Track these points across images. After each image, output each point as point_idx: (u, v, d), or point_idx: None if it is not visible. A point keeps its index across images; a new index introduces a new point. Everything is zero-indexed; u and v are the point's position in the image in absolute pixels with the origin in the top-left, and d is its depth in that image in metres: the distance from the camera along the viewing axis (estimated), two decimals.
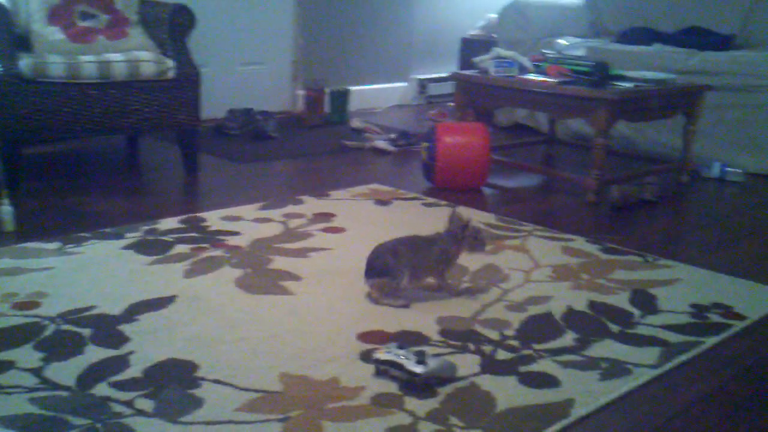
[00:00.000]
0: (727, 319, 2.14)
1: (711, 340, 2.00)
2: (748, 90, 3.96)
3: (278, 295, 2.20)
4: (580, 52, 3.92)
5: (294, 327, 2.00)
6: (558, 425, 1.58)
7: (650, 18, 4.93)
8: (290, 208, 3.05)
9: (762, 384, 1.81)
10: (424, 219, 2.98)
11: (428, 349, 1.87)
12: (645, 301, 2.25)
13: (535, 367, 1.83)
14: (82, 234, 2.63)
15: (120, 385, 1.68)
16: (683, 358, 1.91)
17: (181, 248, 2.55)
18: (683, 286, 2.37)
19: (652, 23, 4.88)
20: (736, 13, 4.62)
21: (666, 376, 1.83)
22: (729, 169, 3.81)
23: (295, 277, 2.34)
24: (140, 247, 2.54)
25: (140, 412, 1.58)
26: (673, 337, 2.01)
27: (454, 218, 2.23)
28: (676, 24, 4.75)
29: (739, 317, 2.15)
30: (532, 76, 3.59)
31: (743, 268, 2.55)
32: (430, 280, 2.25)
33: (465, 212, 2.28)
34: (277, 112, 4.82)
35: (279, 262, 2.46)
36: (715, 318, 2.14)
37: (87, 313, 2.03)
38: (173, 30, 3.46)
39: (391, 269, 2.14)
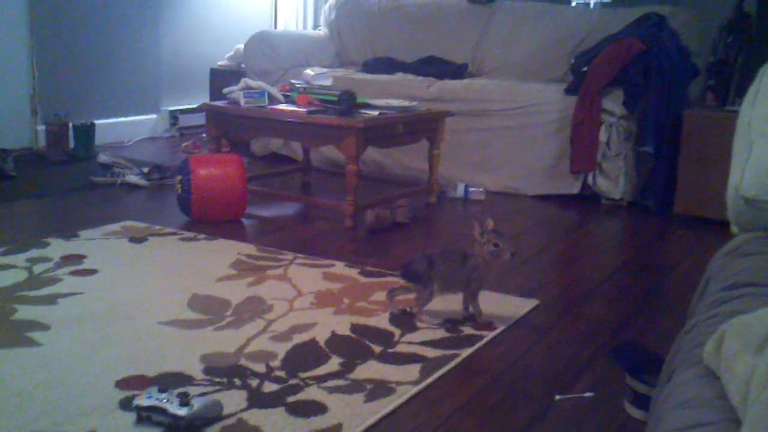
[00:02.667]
0: (478, 330, 2.27)
1: (465, 352, 2.12)
2: (482, 114, 4.28)
3: (24, 348, 2.04)
4: (327, 82, 4.03)
5: (43, 380, 1.86)
6: None
7: (391, 48, 5.20)
8: (35, 252, 2.85)
9: (510, 387, 1.94)
10: (182, 254, 2.90)
11: (192, 390, 1.82)
12: (403, 320, 2.34)
13: (302, 396, 1.84)
14: None
15: None
16: (441, 371, 2.01)
17: None
18: (438, 303, 2.48)
19: (394, 53, 5.14)
20: (467, 44, 4.99)
21: (426, 391, 1.91)
22: (472, 188, 4.08)
23: (44, 327, 2.18)
24: None
25: None
26: (431, 353, 2.11)
27: (476, 226, 2.27)
28: (415, 54, 5.03)
29: (489, 327, 2.29)
30: (282, 106, 3.64)
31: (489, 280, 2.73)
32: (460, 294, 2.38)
33: (487, 221, 2.28)
34: (15, 149, 4.49)
35: (24, 312, 2.28)
36: (468, 330, 2.27)
37: None
38: None
39: (421, 276, 2.28)
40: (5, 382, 1.85)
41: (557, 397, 1.90)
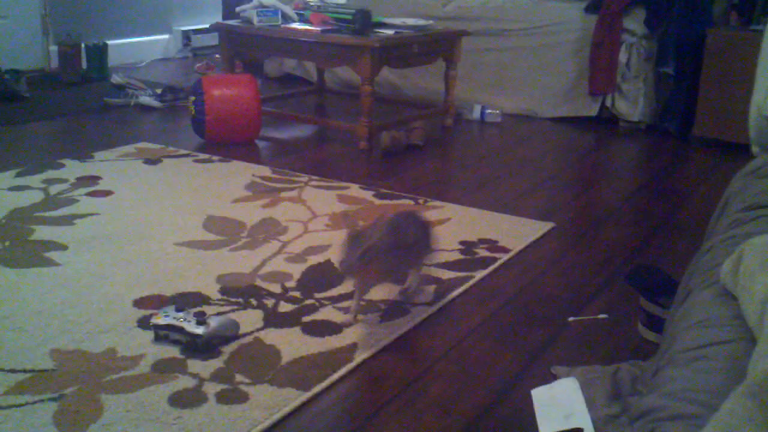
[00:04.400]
0: (493, 252, 2.27)
1: (480, 274, 2.12)
2: (499, 34, 4.19)
3: (43, 267, 2.06)
4: (341, 0, 3.95)
5: (63, 299, 1.89)
6: (343, 370, 1.61)
7: None
8: (50, 173, 2.85)
9: (524, 309, 1.95)
10: (196, 176, 2.90)
11: (209, 309, 1.84)
12: None
13: (317, 316, 1.85)
14: None
15: None
16: (456, 293, 2.01)
17: None
18: (453, 225, 2.48)
19: None
20: None
21: (441, 312, 1.92)
22: (488, 110, 4.03)
23: (61, 247, 2.19)
24: None
25: None
26: (446, 274, 2.11)
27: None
28: None
29: (504, 250, 2.29)
30: (295, 25, 3.58)
31: (505, 203, 2.72)
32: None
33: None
34: (28, 70, 4.46)
35: (42, 232, 2.29)
36: (482, 253, 2.27)
37: None
38: None
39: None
40: (25, 300, 1.87)
41: (571, 318, 1.90)
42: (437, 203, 2.68)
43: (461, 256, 2.24)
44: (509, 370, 1.66)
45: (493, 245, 2.32)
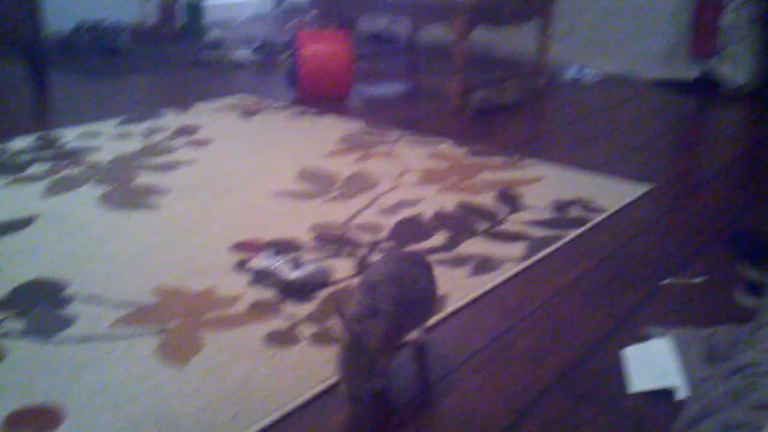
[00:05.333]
0: (586, 212, 2.24)
1: (572, 233, 2.10)
2: None
3: (146, 210, 2.14)
4: None
5: (165, 241, 1.96)
6: (434, 319, 1.62)
7: None
8: (151, 123, 2.94)
9: (617, 270, 1.92)
10: (291, 128, 2.95)
11: (303, 255, 1.88)
12: (511, 199, 2.32)
13: None
14: None
15: None
16: (547, 251, 2.00)
17: (37, 167, 2.42)
18: (546, 184, 2.46)
19: None
20: None
21: (531, 269, 1.91)
22: (584, 71, 3.95)
23: (162, 192, 2.27)
24: None
25: (9, 333, 1.52)
26: (537, 232, 2.10)
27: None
28: None
29: (598, 210, 2.26)
30: None
31: (600, 164, 2.67)
32: None
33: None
34: (128, 25, 4.59)
35: (144, 178, 2.38)
36: (575, 212, 2.24)
37: None
38: None
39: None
40: (130, 241, 1.95)
41: (665, 281, 1.87)
42: (530, 162, 2.66)
43: (554, 215, 2.22)
44: (600, 329, 1.65)
45: (587, 205, 2.29)
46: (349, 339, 1.24)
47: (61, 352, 1.46)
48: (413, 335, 1.46)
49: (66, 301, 1.65)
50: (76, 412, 1.29)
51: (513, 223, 2.16)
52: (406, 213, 2.19)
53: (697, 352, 1.51)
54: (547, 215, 2.22)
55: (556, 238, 2.06)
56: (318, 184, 2.38)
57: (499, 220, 2.18)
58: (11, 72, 3.59)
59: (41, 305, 1.63)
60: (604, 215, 2.23)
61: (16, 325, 1.55)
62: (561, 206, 2.28)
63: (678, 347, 1.52)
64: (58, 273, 1.76)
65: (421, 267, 1.44)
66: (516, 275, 1.86)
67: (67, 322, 1.56)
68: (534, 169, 2.60)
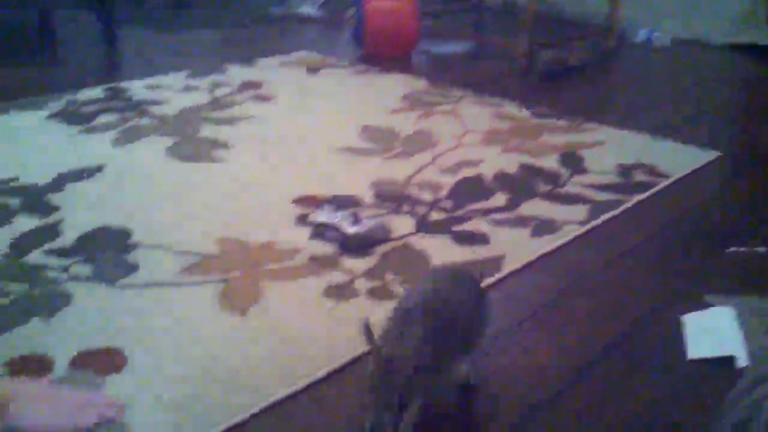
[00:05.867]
0: (651, 177, 2.20)
1: (636, 198, 2.07)
2: None
3: (210, 163, 2.18)
4: None
5: (228, 193, 1.99)
6: (491, 279, 1.63)
7: None
8: (216, 77, 2.97)
9: (680, 236, 1.89)
10: (354, 85, 2.95)
11: (363, 211, 1.89)
12: (573, 162, 2.29)
13: (467, 226, 1.87)
14: (2, 104, 2.52)
15: (54, 253, 1.66)
16: (609, 215, 1.97)
17: (106, 118, 2.47)
18: (610, 148, 2.42)
19: None
20: None
21: (593, 232, 1.89)
22: (655, 33, 3.84)
23: (226, 146, 2.30)
24: (64, 117, 2.46)
25: (77, 278, 1.57)
26: (600, 196, 2.07)
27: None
28: None
29: (663, 176, 2.22)
30: None
31: (667, 130, 2.61)
32: None
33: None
34: None
35: (208, 131, 2.41)
36: (639, 177, 2.20)
37: (13, 184, 1.98)
38: None
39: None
40: (194, 192, 1.99)
41: (729, 249, 1.83)
42: (595, 125, 2.61)
43: (617, 180, 2.18)
44: (661, 295, 1.62)
45: (651, 170, 2.25)
46: (377, 363, 1.05)
47: (125, 298, 1.51)
48: (457, 370, 1.23)
49: (131, 248, 1.69)
50: (138, 356, 1.33)
51: (575, 185, 2.13)
52: (466, 173, 2.18)
53: (758, 322, 1.49)
54: (610, 179, 2.18)
55: (618, 203, 2.03)
56: (379, 141, 2.39)
57: (561, 182, 2.15)
58: (82, 25, 3.66)
59: (107, 252, 1.67)
60: (668, 181, 2.19)
61: (82, 270, 1.60)
62: (625, 170, 2.25)
63: (739, 316, 1.50)
64: (124, 221, 1.81)
65: (469, 288, 1.25)
66: (577, 238, 1.85)
67: (132, 269, 1.61)
68: (598, 132, 2.55)
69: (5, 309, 1.45)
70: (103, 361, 1.31)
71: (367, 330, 1.06)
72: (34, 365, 1.29)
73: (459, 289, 1.22)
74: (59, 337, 1.37)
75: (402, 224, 1.86)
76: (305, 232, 1.80)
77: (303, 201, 1.96)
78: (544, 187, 2.11)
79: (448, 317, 1.15)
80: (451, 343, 1.15)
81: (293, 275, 1.61)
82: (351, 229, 1.73)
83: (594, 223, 1.92)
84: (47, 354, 1.32)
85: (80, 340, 1.36)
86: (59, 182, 1.99)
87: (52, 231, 1.75)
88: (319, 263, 1.66)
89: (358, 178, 2.11)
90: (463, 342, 1.19)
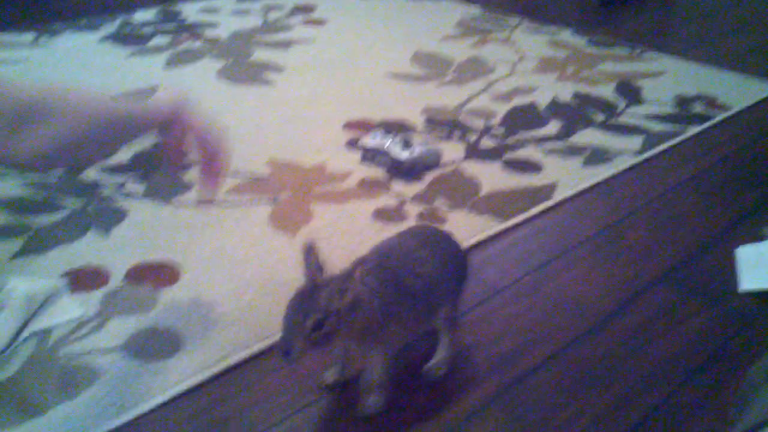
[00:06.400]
0: (710, 109, 2.15)
1: (693, 130, 2.02)
2: None
3: (262, 86, 2.18)
4: None
5: (279, 116, 2.00)
6: (542, 206, 1.61)
7: None
8: (269, 0, 2.95)
9: (737, 170, 1.84)
10: (408, 11, 2.91)
11: (414, 137, 1.88)
12: (630, 92, 2.24)
13: (519, 154, 1.85)
14: (56, 26, 2.54)
15: (109, 170, 1.69)
16: (665, 146, 1.93)
17: (159, 40, 2.48)
18: (669, 78, 2.35)
19: None
20: None
21: (647, 163, 1.85)
22: None
23: (278, 69, 2.30)
24: (117, 38, 2.47)
25: (131, 194, 1.60)
26: (656, 127, 2.02)
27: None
28: None
29: (723, 108, 2.16)
30: None
31: (729, 61, 2.53)
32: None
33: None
34: None
35: (260, 54, 2.41)
36: (698, 108, 2.15)
37: None
38: None
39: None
40: (247, 114, 2.00)
41: None
42: (655, 55, 2.54)
43: (675, 110, 2.13)
44: (714, 227, 1.59)
45: (711, 102, 2.19)
46: (303, 286, 0.95)
47: (179, 215, 1.53)
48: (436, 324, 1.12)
49: (185, 167, 1.71)
50: (191, 271, 1.36)
51: (631, 116, 2.09)
52: (520, 101, 2.15)
53: None
54: (667, 110, 2.13)
55: (675, 134, 1.99)
56: (432, 67, 2.36)
57: (616, 112, 2.11)
58: None
59: (161, 170, 1.70)
60: (728, 113, 2.13)
61: (138, 187, 1.63)
62: (683, 101, 2.19)
63: None
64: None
65: (439, 248, 1.10)
66: (631, 168, 1.81)
67: (185, 188, 1.63)
68: (658, 62, 2.48)
69: (63, 223, 1.49)
70: (157, 275, 1.34)
71: (309, 250, 0.97)
72: (90, 277, 1.32)
73: (426, 248, 1.08)
74: (114, 251, 1.40)
75: (453, 150, 1.84)
76: (355, 156, 1.80)
77: (354, 125, 1.96)
78: (599, 117, 2.07)
79: (399, 271, 1.03)
80: (398, 297, 1.02)
81: (343, 198, 1.61)
82: (401, 154, 1.72)
83: (649, 153, 1.88)
84: (103, 266, 1.35)
85: (135, 254, 1.39)
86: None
87: None
88: (368, 187, 1.66)
89: (409, 104, 2.09)
90: (420, 302, 1.05)
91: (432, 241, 1.11)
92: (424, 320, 1.09)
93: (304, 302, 0.93)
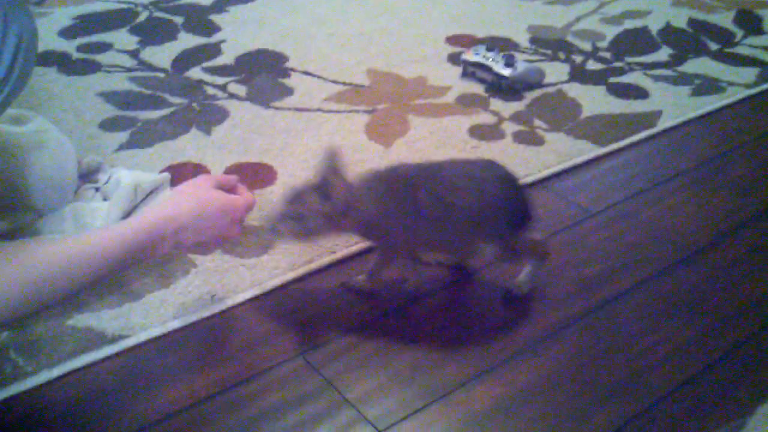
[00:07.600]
0: None
1: None
2: None
3: None
4: None
5: (383, 26, 1.99)
6: (643, 134, 1.57)
7: None
8: None
9: None
10: None
11: (517, 55, 1.84)
12: (749, 21, 2.13)
13: (625, 79, 1.79)
14: None
15: (213, 70, 1.73)
16: None
17: None
18: None
19: None
20: None
21: (760, 97, 1.77)
22: None
23: None
24: None
25: (233, 95, 1.63)
26: None
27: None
28: None
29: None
30: None
31: None
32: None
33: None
34: None
35: None
36: None
37: (178, 2, 2.05)
38: None
39: None
40: (348, 24, 2.00)
41: None
42: None
43: None
44: None
45: None
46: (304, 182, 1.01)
47: (278, 118, 1.56)
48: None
49: (285, 72, 1.74)
50: (287, 173, 1.38)
51: (748, 46, 1.99)
52: (631, 24, 2.08)
53: None
54: None
55: None
56: None
57: (733, 41, 2.01)
58: None
59: (263, 74, 1.72)
60: None
61: (240, 89, 1.66)
62: None
63: None
64: (280, 46, 1.85)
65: (487, 188, 1.02)
66: (741, 101, 1.74)
67: (285, 93, 1.66)
68: None
69: (168, 118, 1.54)
70: (256, 174, 1.38)
71: (331, 155, 0.99)
72: (191, 171, 1.37)
73: (473, 182, 1.02)
74: (214, 150, 1.44)
75: (557, 71, 1.81)
76: (457, 70, 1.78)
77: (457, 39, 1.93)
78: (712, 45, 1.98)
79: (423, 190, 1.01)
80: (405, 210, 1.02)
81: (440, 112, 1.61)
82: (503, 71, 1.69)
83: (763, 87, 1.80)
84: (203, 164, 1.40)
85: (236, 153, 1.43)
86: (222, 4, 2.05)
87: (212, 49, 1.82)
88: (467, 102, 1.65)
89: (515, 21, 2.05)
90: (442, 225, 1.02)
91: (488, 177, 1.03)
92: (446, 248, 1.09)
93: (295, 197, 1.01)
